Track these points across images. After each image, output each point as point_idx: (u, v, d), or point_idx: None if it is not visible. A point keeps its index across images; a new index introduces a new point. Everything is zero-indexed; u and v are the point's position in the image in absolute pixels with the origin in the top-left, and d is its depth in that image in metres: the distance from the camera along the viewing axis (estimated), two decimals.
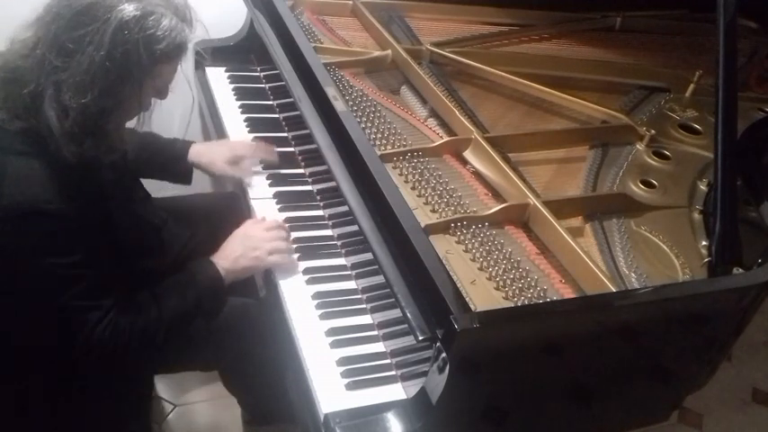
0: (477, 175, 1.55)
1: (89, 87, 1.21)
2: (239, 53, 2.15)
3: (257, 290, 1.67)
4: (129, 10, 1.21)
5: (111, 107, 1.26)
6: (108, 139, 1.31)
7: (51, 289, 1.28)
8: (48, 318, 1.32)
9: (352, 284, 1.50)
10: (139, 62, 1.24)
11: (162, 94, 1.39)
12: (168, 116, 1.80)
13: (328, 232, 1.63)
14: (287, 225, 1.62)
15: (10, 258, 1.26)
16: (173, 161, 1.77)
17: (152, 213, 1.62)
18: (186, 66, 1.42)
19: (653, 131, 1.72)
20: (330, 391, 1.28)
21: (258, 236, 1.51)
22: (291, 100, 1.78)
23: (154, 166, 1.76)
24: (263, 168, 1.78)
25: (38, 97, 1.24)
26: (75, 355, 1.33)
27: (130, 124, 1.44)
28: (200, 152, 1.77)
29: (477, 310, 1.21)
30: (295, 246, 1.57)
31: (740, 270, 1.33)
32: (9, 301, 1.32)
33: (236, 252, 1.49)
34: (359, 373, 1.31)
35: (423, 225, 1.34)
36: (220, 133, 1.94)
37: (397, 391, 1.28)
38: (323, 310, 1.44)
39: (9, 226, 1.24)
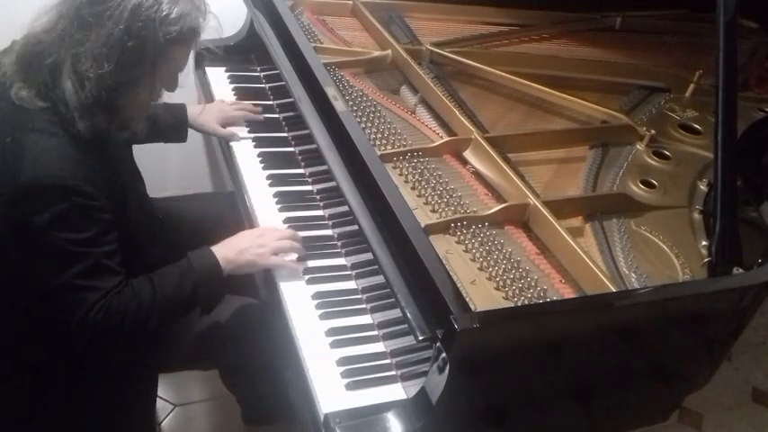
0: (477, 175, 1.55)
1: (105, 59, 1.27)
2: (239, 53, 2.15)
3: (257, 290, 1.67)
4: None
5: (125, 83, 1.31)
6: (120, 115, 1.37)
7: (58, 264, 1.30)
8: (45, 296, 1.32)
9: (352, 284, 1.50)
10: (155, 40, 1.29)
11: (171, 84, 1.44)
12: None
13: (328, 232, 1.63)
14: (287, 225, 1.62)
15: (24, 232, 1.28)
16: (176, 124, 1.86)
17: (147, 207, 1.63)
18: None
19: (653, 131, 1.72)
20: (330, 391, 1.28)
21: (270, 236, 1.51)
22: (291, 100, 1.78)
23: (158, 129, 1.80)
24: (249, 132, 1.91)
25: (57, 69, 1.29)
26: (69, 332, 1.33)
27: None
28: (195, 113, 1.87)
29: (477, 310, 1.21)
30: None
31: (740, 270, 1.33)
32: (17, 274, 1.34)
33: (241, 245, 1.49)
34: (359, 373, 1.31)
35: (423, 225, 1.34)
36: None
37: (397, 391, 1.28)
38: (323, 310, 1.43)
39: (26, 200, 1.27)
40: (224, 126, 1.89)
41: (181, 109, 1.88)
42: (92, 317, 1.31)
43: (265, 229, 1.56)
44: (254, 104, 1.96)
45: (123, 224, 1.40)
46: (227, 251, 1.47)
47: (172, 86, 1.44)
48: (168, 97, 1.51)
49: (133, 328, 1.36)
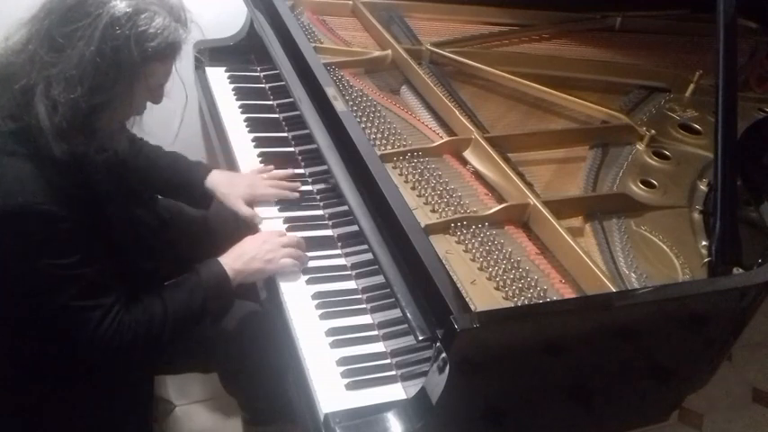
0: (477, 175, 1.55)
1: (78, 83, 1.20)
2: (239, 53, 2.15)
3: (257, 291, 1.67)
4: (120, 7, 1.21)
5: (100, 104, 1.24)
6: (97, 136, 1.30)
7: (50, 290, 1.28)
8: (49, 319, 1.32)
9: (352, 284, 1.50)
10: (130, 59, 1.22)
11: (156, 97, 1.37)
12: (170, 115, 1.80)
13: (328, 232, 1.63)
14: (287, 226, 1.62)
15: (7, 260, 1.26)
16: (190, 185, 1.74)
17: (152, 214, 1.62)
18: (183, 65, 1.41)
19: (653, 131, 1.72)
20: (330, 391, 1.28)
21: (275, 242, 1.50)
22: (291, 100, 1.78)
23: (172, 186, 1.74)
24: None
25: (28, 92, 1.23)
26: (81, 354, 1.33)
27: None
28: (219, 182, 1.72)
29: (477, 310, 1.21)
30: None
31: (740, 270, 1.33)
32: (10, 304, 1.32)
33: (248, 253, 1.48)
34: (359, 373, 1.31)
35: (423, 225, 1.34)
36: (220, 133, 1.94)
37: (397, 391, 1.28)
38: (323, 310, 1.43)
39: (4, 228, 1.23)
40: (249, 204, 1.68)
41: (196, 172, 1.73)
42: (101, 334, 1.31)
43: (269, 235, 1.54)
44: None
45: (109, 239, 1.38)
46: (235, 262, 1.47)
47: (156, 100, 1.38)
48: (169, 101, 1.50)
49: (147, 344, 1.36)
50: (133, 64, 1.23)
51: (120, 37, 1.20)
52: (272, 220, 1.64)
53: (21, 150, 1.25)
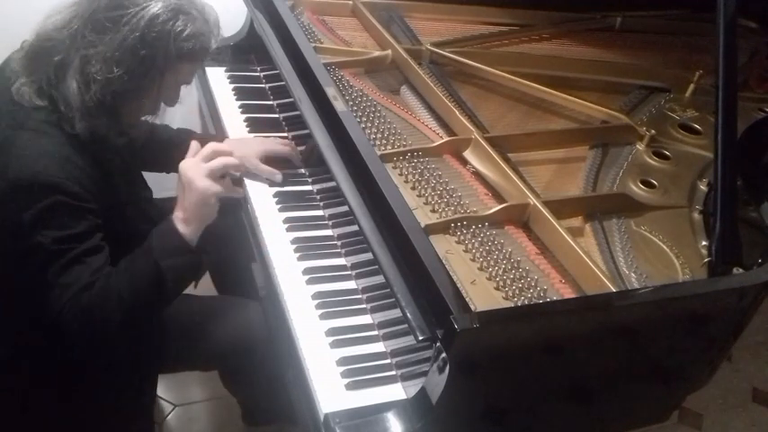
0: (477, 175, 1.55)
1: (116, 64, 1.28)
2: (239, 53, 2.15)
3: (257, 290, 1.67)
4: (167, 4, 1.31)
5: (130, 90, 1.32)
6: (120, 121, 1.37)
7: (39, 261, 1.30)
8: (35, 289, 1.32)
9: (352, 284, 1.50)
10: (166, 53, 1.31)
11: (173, 99, 1.46)
12: (170, 115, 1.80)
13: (328, 232, 1.62)
14: (287, 226, 1.62)
15: (14, 230, 1.28)
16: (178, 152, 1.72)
17: (149, 213, 1.62)
18: None
19: (653, 131, 1.72)
20: (330, 391, 1.28)
21: (196, 169, 1.42)
22: (291, 100, 1.78)
23: (160, 156, 1.74)
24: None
25: (64, 67, 1.30)
26: (61, 327, 1.32)
27: None
28: (233, 146, 1.68)
29: (477, 310, 1.21)
30: (295, 246, 1.57)
31: (740, 270, 1.33)
32: (10, 272, 1.35)
33: (181, 196, 1.41)
34: (359, 373, 1.31)
35: (423, 225, 1.34)
36: (220, 133, 1.93)
37: (397, 391, 1.28)
38: (323, 310, 1.43)
39: (13, 197, 1.28)
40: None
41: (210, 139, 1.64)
42: (66, 313, 1.30)
43: (185, 168, 1.43)
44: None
45: (119, 228, 1.40)
46: (177, 211, 1.40)
47: (173, 101, 1.46)
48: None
49: (123, 318, 1.32)
50: (168, 58, 1.32)
51: (162, 31, 1.30)
52: (271, 220, 1.64)
53: (43, 127, 1.31)
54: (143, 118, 1.51)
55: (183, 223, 1.39)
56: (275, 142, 1.74)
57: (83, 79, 1.29)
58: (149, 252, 1.36)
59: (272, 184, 1.73)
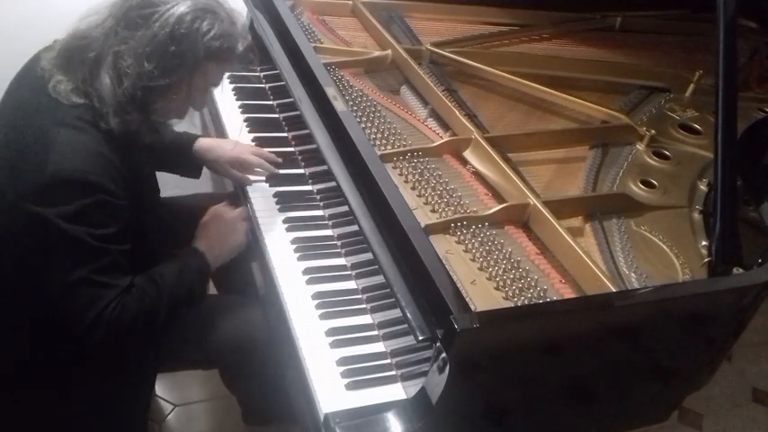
0: (477, 175, 1.55)
1: (147, 59, 1.31)
2: None
3: (257, 290, 1.67)
4: (197, 3, 1.34)
5: (160, 87, 1.35)
6: (151, 118, 1.40)
7: (77, 258, 1.31)
8: (63, 289, 1.32)
9: (352, 284, 1.50)
10: (194, 50, 1.34)
11: (200, 101, 1.49)
12: None
13: (328, 232, 1.63)
14: (287, 226, 1.62)
15: (43, 226, 1.28)
16: (180, 154, 1.80)
17: (158, 212, 1.63)
18: None
19: (653, 131, 1.72)
20: (330, 391, 1.28)
21: (230, 217, 1.59)
22: (291, 100, 1.78)
23: (164, 158, 1.76)
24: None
25: (97, 63, 1.34)
26: (81, 332, 1.33)
27: None
28: (206, 148, 1.80)
29: (477, 310, 1.21)
30: (295, 246, 1.57)
31: (740, 270, 1.33)
32: (35, 269, 1.34)
33: (214, 237, 1.56)
34: (359, 373, 1.31)
35: (423, 225, 1.34)
36: (220, 133, 1.94)
37: (397, 391, 1.28)
38: (323, 310, 1.43)
39: (51, 192, 1.28)
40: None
41: (186, 139, 1.81)
42: (107, 314, 1.32)
43: (219, 210, 1.61)
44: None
45: (138, 226, 1.41)
46: (208, 248, 1.53)
47: (200, 104, 1.50)
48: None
49: (144, 327, 1.38)
50: (196, 55, 1.35)
51: (191, 28, 1.33)
52: (271, 220, 1.64)
53: (80, 124, 1.34)
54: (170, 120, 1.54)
55: (213, 258, 1.54)
56: (248, 151, 1.78)
57: (115, 74, 1.32)
58: (187, 271, 1.48)
59: (272, 184, 1.74)
